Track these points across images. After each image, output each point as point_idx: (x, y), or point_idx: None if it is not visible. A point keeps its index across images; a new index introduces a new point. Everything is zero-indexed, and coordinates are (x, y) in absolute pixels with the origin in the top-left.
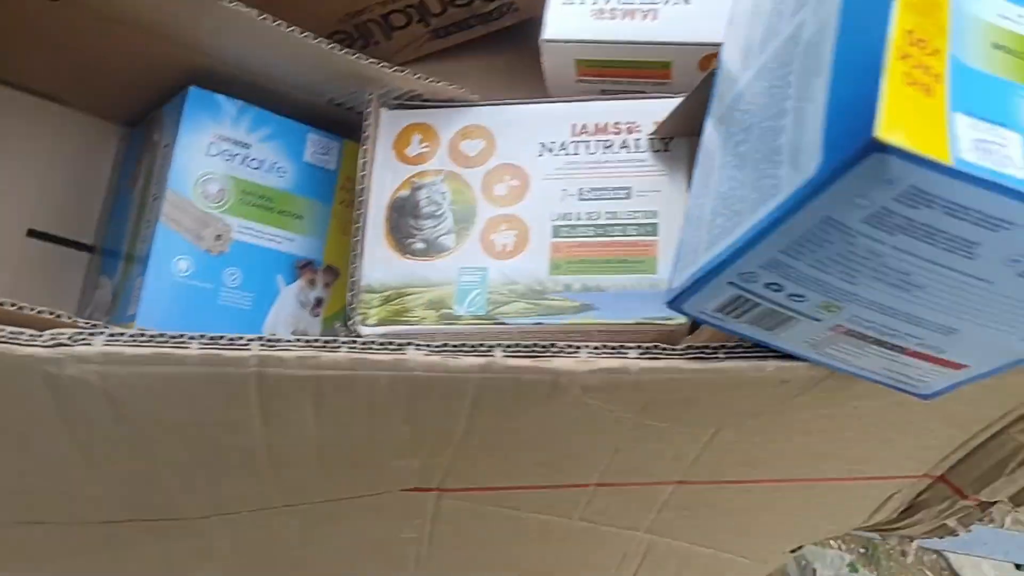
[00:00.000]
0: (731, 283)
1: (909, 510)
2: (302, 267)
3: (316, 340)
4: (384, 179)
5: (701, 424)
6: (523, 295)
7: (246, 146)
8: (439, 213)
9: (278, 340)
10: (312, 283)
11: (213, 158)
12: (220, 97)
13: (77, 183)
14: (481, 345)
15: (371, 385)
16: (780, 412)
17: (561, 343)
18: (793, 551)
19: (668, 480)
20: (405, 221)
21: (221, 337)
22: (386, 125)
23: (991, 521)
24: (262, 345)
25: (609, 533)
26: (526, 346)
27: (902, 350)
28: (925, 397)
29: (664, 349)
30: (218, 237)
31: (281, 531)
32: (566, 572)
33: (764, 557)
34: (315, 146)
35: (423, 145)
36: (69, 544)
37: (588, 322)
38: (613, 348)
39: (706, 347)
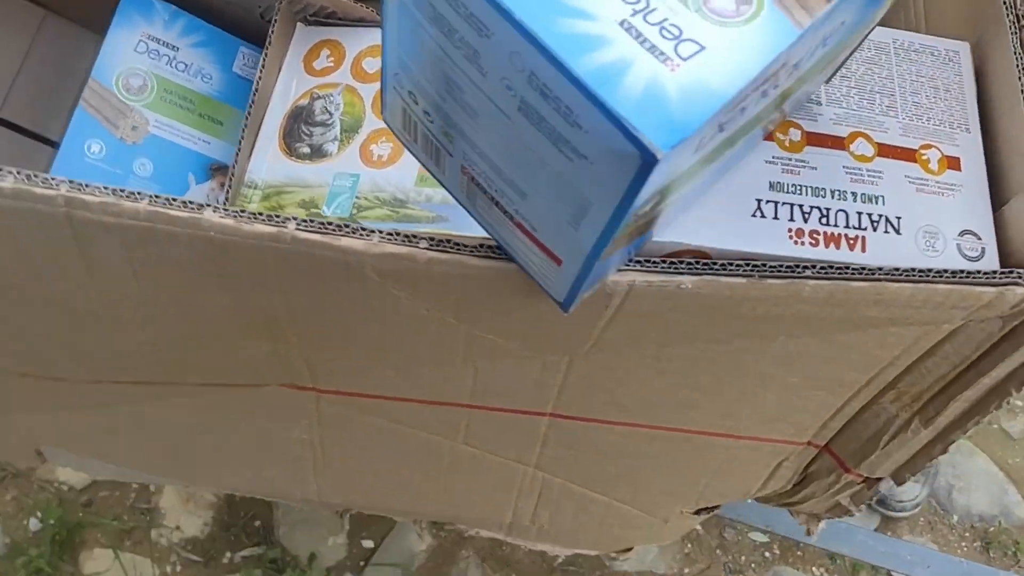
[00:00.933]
0: (395, 89)
1: (802, 482)
2: (215, 169)
3: (122, 190)
4: (289, 88)
5: (534, 348)
6: (387, 203)
7: (174, 48)
8: (329, 122)
9: (86, 185)
10: (223, 186)
11: (140, 55)
12: (156, 1)
13: (51, 83)
14: (277, 216)
15: (173, 240)
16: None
17: (355, 226)
18: (698, 513)
19: (539, 411)
20: (298, 127)
21: (36, 175)
22: (299, 40)
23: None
24: (70, 187)
25: (497, 463)
26: (319, 223)
27: (510, 217)
28: (563, 307)
29: (455, 244)
30: (134, 128)
31: (177, 414)
32: (465, 504)
33: (661, 514)
34: (245, 59)
35: (329, 60)
36: None
37: (439, 232)
38: (406, 237)
39: (498, 249)
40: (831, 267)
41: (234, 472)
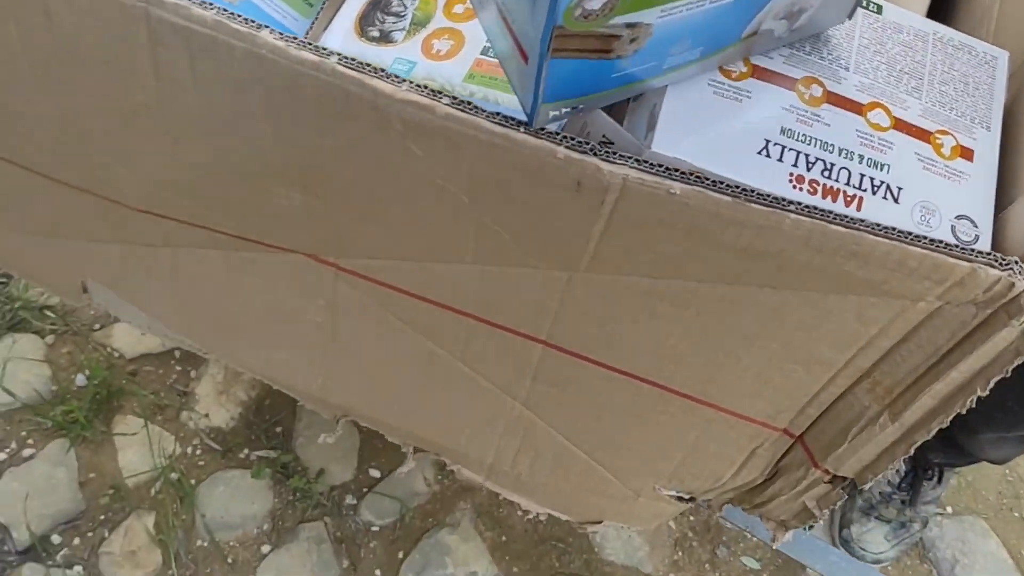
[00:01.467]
0: None
1: (774, 476)
2: None
3: None
4: None
5: (537, 254)
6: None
7: None
8: (403, 14)
9: None
10: None
11: None
12: None
13: None
14: (323, 48)
15: (230, 54)
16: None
17: (388, 73)
18: (674, 498)
19: (536, 336)
20: (374, 14)
21: None
22: None
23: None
24: None
25: (488, 391)
26: (358, 63)
27: (503, 16)
28: (529, 119)
29: (473, 107)
30: None
31: (209, 271)
32: (453, 432)
33: (635, 485)
34: None
35: None
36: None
37: None
38: (431, 91)
39: (513, 120)
40: (814, 208)
41: (250, 347)
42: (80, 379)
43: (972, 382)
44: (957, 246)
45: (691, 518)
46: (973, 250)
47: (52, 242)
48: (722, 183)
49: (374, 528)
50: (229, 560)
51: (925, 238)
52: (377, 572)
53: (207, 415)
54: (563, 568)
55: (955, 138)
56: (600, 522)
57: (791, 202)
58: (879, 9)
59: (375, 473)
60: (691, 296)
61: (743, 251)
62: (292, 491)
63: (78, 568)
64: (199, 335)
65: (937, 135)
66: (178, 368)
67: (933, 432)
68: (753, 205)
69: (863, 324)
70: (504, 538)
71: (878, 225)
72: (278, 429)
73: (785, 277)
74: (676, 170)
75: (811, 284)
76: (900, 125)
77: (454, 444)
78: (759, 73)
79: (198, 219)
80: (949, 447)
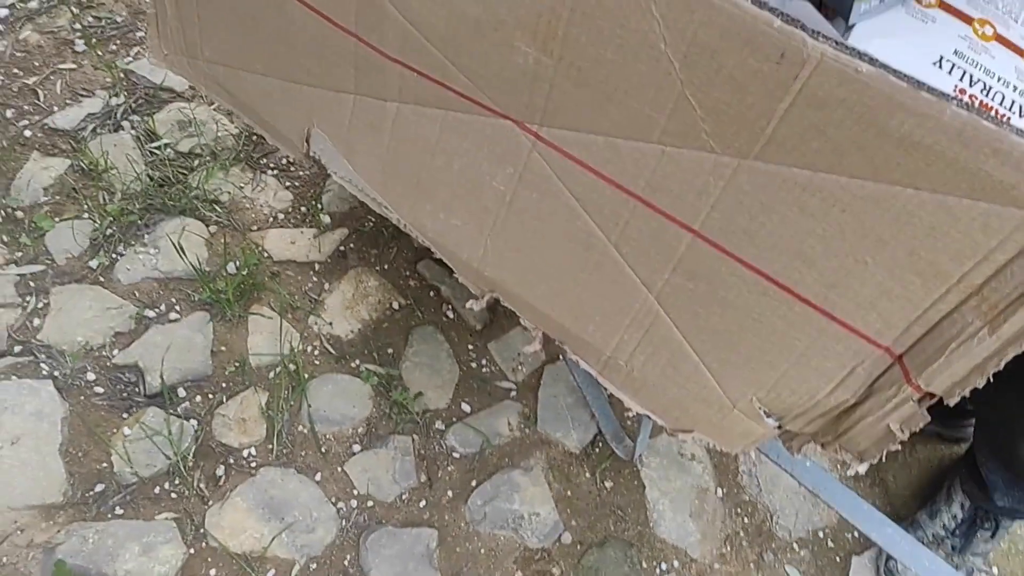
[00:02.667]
0: None
1: (867, 397)
2: None
3: None
4: None
5: (718, 134)
6: None
7: None
8: None
9: None
10: None
11: None
12: None
13: None
14: None
15: None
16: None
17: None
18: (766, 416)
19: (689, 224)
20: None
21: None
22: None
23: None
24: None
25: (630, 280)
26: None
27: None
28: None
29: None
30: None
31: (425, 130)
32: (587, 316)
33: (735, 393)
34: None
35: None
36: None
37: None
38: None
39: None
40: (972, 106)
41: (433, 209)
42: (231, 267)
43: None
44: None
45: (745, 520)
46: None
47: (297, 88)
48: (899, 71)
49: (455, 454)
50: (323, 450)
51: None
52: (449, 492)
53: (331, 323)
54: (617, 533)
55: None
56: (692, 431)
57: (954, 98)
58: None
59: (466, 408)
60: (841, 192)
61: (901, 140)
62: (391, 404)
63: (193, 422)
64: (393, 194)
65: None
66: (314, 279)
67: None
68: (923, 93)
69: (986, 234)
70: (569, 493)
71: (1022, 131)
72: (389, 350)
73: (930, 174)
74: (866, 55)
75: (951, 184)
76: None
77: (581, 331)
78: (945, 7)
79: (437, 72)
80: (1017, 485)
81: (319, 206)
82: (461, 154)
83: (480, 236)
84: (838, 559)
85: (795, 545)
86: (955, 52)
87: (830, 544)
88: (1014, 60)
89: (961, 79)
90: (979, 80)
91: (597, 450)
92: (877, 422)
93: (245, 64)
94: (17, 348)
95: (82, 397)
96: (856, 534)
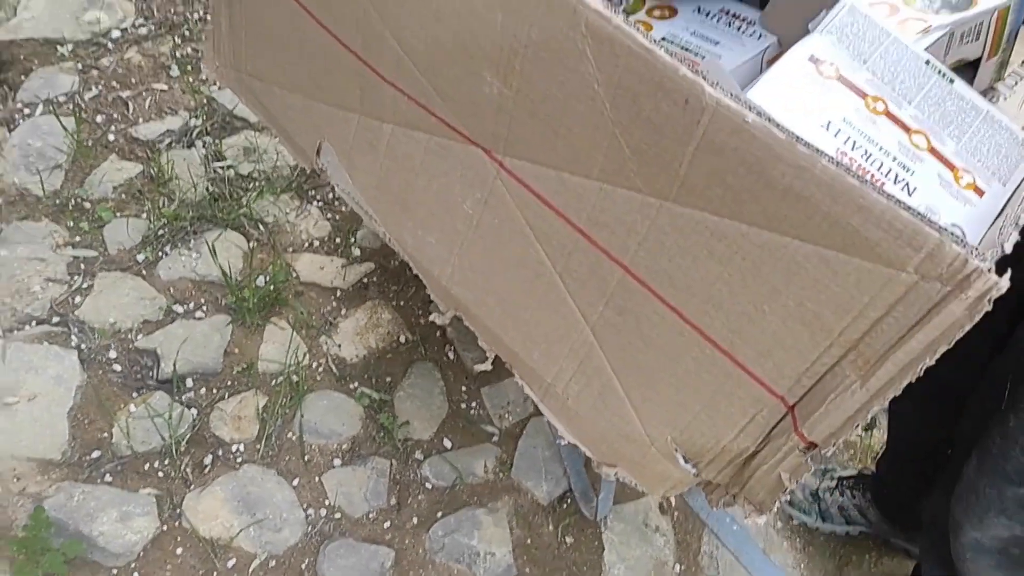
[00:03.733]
0: None
1: (764, 445)
2: None
3: None
4: None
5: (644, 175)
6: None
7: None
8: None
9: None
10: None
11: None
12: None
13: None
14: None
15: None
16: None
17: None
18: (680, 460)
19: (621, 259)
20: None
21: None
22: None
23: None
24: None
25: (571, 311)
26: None
27: None
28: None
29: (636, 24)
30: None
31: (411, 151)
32: (533, 343)
33: (653, 432)
34: None
35: None
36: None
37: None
38: (612, 5)
39: (657, 40)
40: (840, 163)
41: (413, 227)
42: (260, 280)
43: (925, 352)
44: (935, 223)
45: None
46: (943, 227)
47: (313, 105)
48: (781, 125)
49: (428, 485)
50: (306, 458)
51: (913, 209)
52: (415, 519)
53: (339, 345)
54: None
55: (973, 177)
56: (615, 466)
57: (826, 154)
58: (951, 81)
59: (447, 443)
60: (742, 240)
61: (786, 192)
62: (378, 427)
63: (194, 411)
64: (382, 210)
65: (960, 170)
66: (333, 304)
67: (887, 399)
68: (799, 146)
69: (859, 290)
70: (529, 541)
71: (880, 191)
72: (388, 378)
73: (811, 227)
74: (756, 106)
75: (828, 238)
76: (934, 152)
77: (527, 356)
78: (844, 80)
79: (422, 97)
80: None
81: (352, 240)
82: (439, 176)
83: (450, 255)
84: None
85: None
86: (844, 120)
87: None
88: (899, 135)
89: (845, 143)
90: (861, 146)
91: (564, 505)
92: (771, 471)
93: (274, 79)
94: (55, 319)
95: (100, 371)
96: None
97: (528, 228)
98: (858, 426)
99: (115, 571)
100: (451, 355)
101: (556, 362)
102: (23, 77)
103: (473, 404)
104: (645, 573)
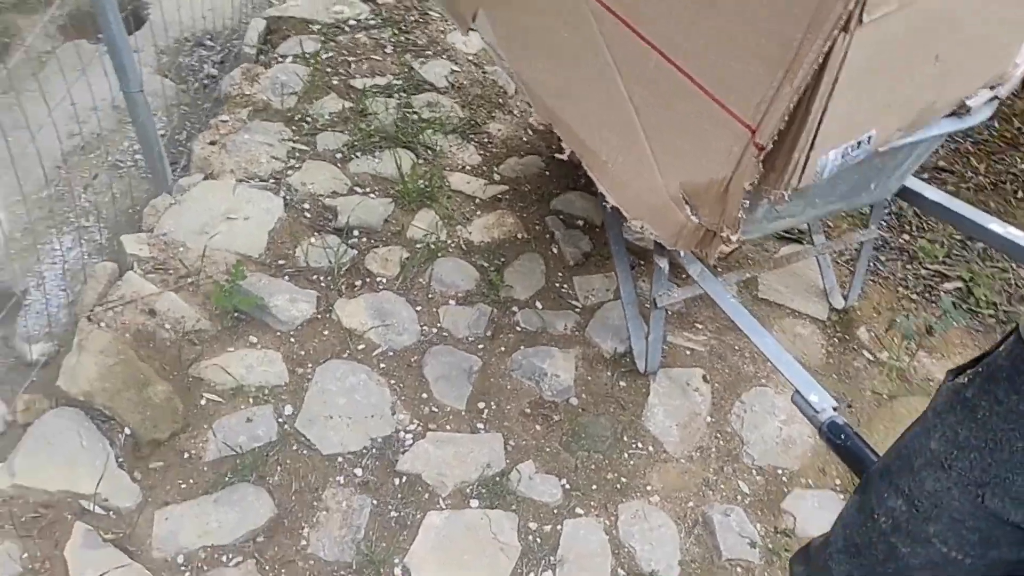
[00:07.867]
0: None
1: (735, 170)
2: None
3: None
4: None
5: None
6: None
7: None
8: None
9: None
10: None
11: None
12: None
13: None
14: None
15: None
16: None
17: None
18: (685, 202)
19: (658, 44)
20: None
21: None
22: None
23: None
24: None
25: (623, 98)
26: None
27: None
28: None
29: None
30: None
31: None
32: (592, 129)
33: (668, 181)
34: None
35: None
36: None
37: None
38: None
39: None
40: None
41: (528, 56)
42: (421, 184)
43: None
44: None
45: (720, 442)
46: None
47: None
48: None
49: (518, 328)
50: (429, 296)
51: None
52: (502, 347)
53: (470, 232)
54: (614, 414)
55: None
56: (643, 219)
57: None
58: None
59: (539, 305)
60: None
61: None
62: (488, 285)
63: (354, 252)
64: (510, 51)
65: None
66: (471, 207)
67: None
68: None
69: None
70: (589, 378)
71: None
72: (502, 259)
73: None
74: None
75: None
76: None
77: (592, 142)
78: None
79: None
80: None
81: (496, 169)
82: (547, 14)
83: (547, 73)
84: (785, 490)
85: (754, 471)
86: None
87: (783, 479)
88: None
89: None
90: None
91: (624, 361)
92: (738, 184)
93: None
94: (271, 180)
95: (295, 213)
96: (810, 480)
97: (602, 39)
98: (785, 115)
99: (279, 333)
100: (555, 250)
101: (609, 141)
102: (283, 40)
103: (565, 286)
104: (680, 417)
